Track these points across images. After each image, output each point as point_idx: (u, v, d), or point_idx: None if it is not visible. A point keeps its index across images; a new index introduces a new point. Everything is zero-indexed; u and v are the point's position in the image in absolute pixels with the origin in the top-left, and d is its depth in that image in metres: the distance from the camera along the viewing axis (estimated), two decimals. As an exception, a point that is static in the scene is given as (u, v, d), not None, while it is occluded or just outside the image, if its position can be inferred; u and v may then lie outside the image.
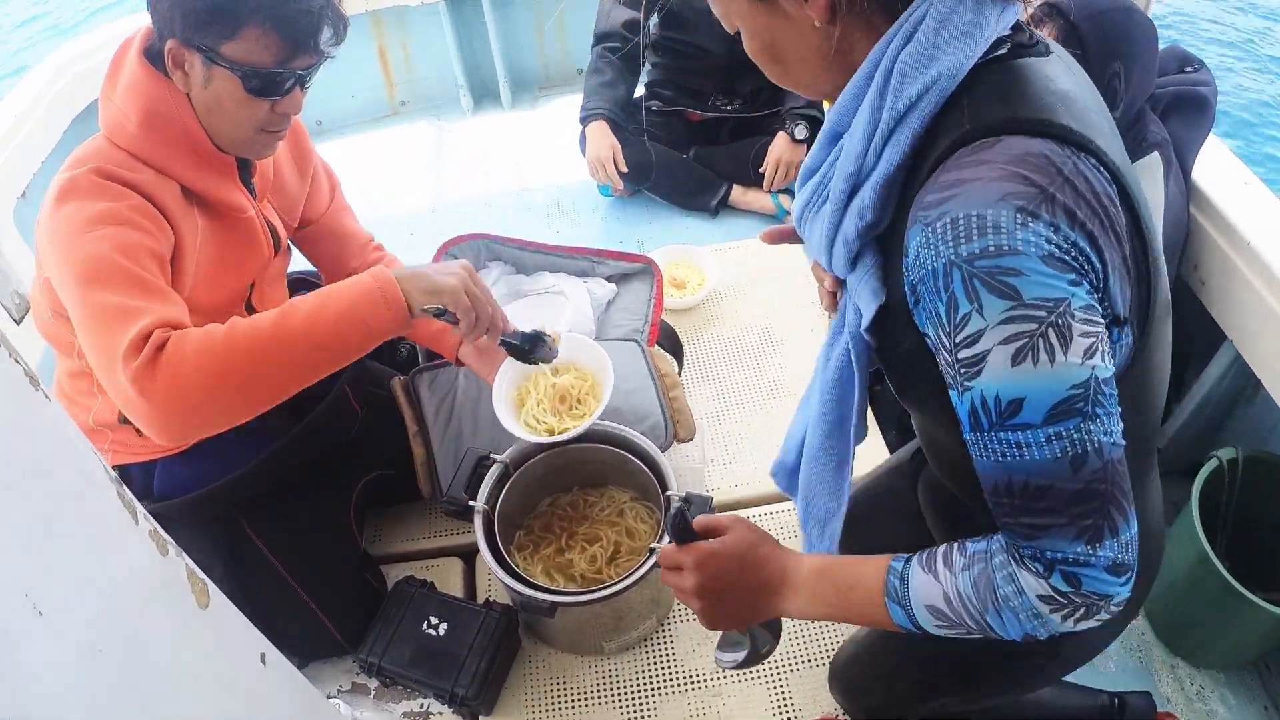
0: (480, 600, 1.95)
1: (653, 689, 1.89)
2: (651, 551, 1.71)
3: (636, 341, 2.20)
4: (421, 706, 1.87)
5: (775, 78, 1.09)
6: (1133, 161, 1.99)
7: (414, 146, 4.08)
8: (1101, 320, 0.89)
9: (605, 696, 1.89)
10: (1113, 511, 0.92)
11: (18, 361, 0.72)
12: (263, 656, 1.06)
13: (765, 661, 1.35)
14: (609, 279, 2.52)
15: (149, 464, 1.83)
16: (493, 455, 1.88)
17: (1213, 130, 2.23)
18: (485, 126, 4.16)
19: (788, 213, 3.24)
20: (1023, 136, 0.88)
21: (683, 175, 3.37)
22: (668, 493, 1.80)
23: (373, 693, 1.90)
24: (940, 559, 1.05)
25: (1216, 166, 2.27)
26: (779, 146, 3.16)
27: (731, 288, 2.79)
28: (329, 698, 1.88)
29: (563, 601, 1.68)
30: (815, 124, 3.16)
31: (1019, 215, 0.84)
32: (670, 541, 1.26)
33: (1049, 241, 0.84)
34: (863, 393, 1.22)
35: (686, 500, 1.75)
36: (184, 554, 0.93)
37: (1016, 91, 0.92)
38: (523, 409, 1.90)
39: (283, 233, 1.91)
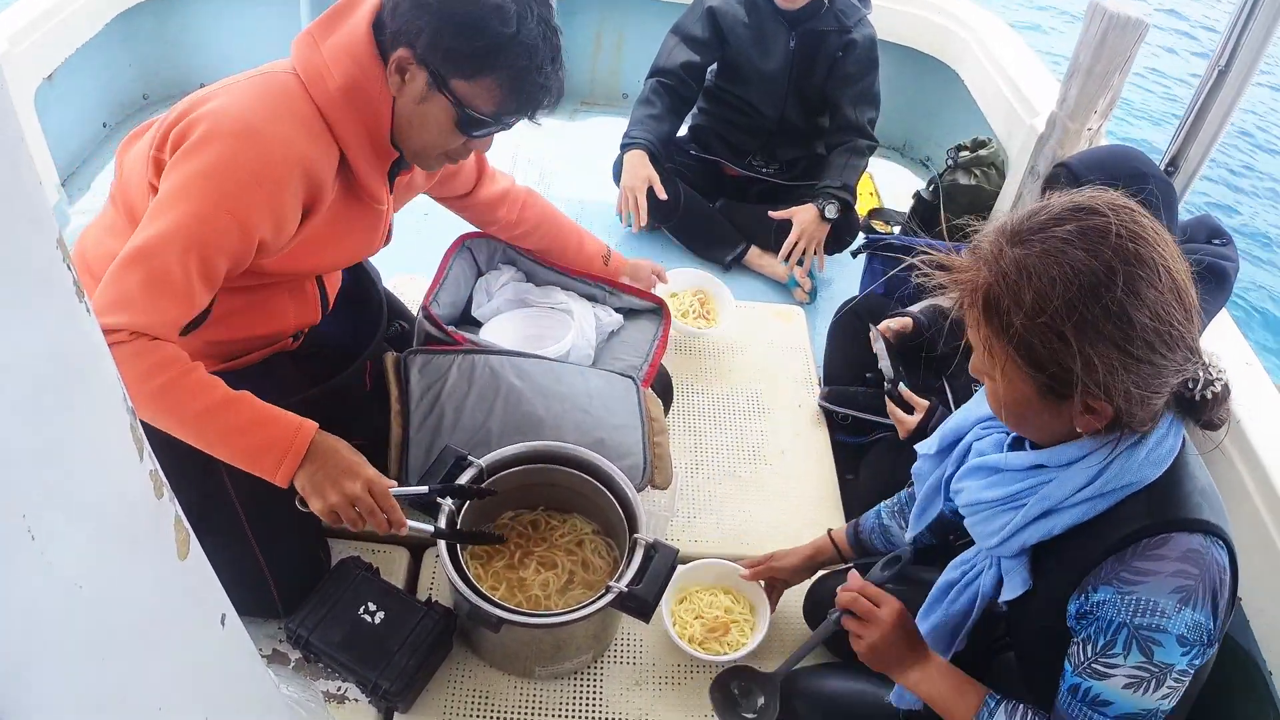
0: (421, 597, 1.93)
1: (574, 724, 1.88)
2: (609, 589, 1.70)
3: (633, 379, 2.20)
4: (339, 689, 1.84)
5: (1006, 421, 1.39)
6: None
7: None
8: (1189, 678, 1.28)
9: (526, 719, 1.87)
10: None
11: (69, 268, 0.71)
12: (223, 618, 1.04)
13: None
14: (618, 310, 2.52)
15: None
16: (470, 458, 1.87)
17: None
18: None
19: (798, 284, 3.26)
20: (1185, 533, 1.25)
21: (706, 223, 3.39)
22: (636, 535, 1.79)
23: (292, 664, 1.87)
24: (1019, 716, 1.43)
25: (1222, 340, 2.33)
26: (805, 219, 3.17)
27: (731, 345, 2.79)
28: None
29: (510, 619, 1.66)
30: (845, 207, 3.19)
31: (1178, 605, 1.23)
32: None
33: (1186, 625, 1.23)
34: (968, 635, 1.57)
35: (654, 546, 1.75)
36: (175, 500, 0.91)
37: (1179, 495, 1.28)
38: (679, 605, 2.04)
39: (393, 227, 2.00)
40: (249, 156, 1.53)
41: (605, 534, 2.00)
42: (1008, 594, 1.44)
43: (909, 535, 1.75)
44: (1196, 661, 1.27)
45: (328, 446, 1.66)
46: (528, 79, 1.62)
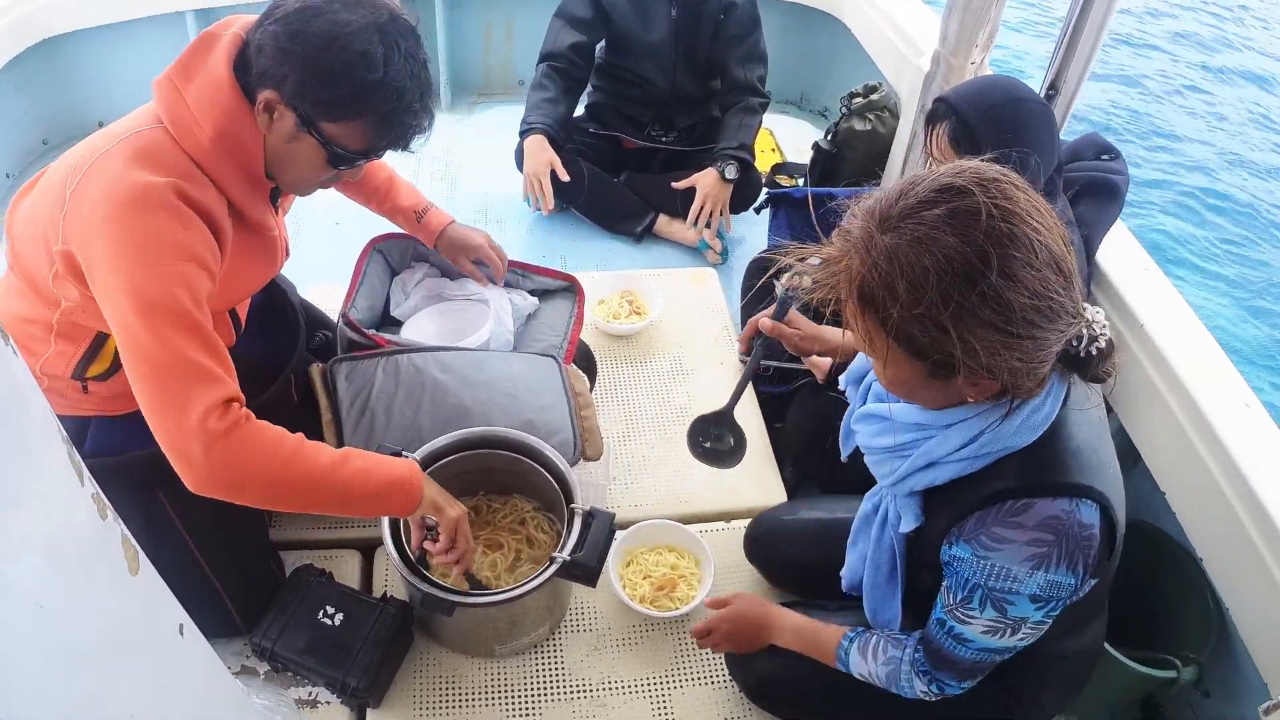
0: (377, 594, 1.99)
1: (541, 694, 1.95)
2: (552, 560, 1.77)
3: (554, 358, 2.26)
4: (310, 694, 1.89)
5: (896, 395, 1.42)
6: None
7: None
8: (1048, 623, 1.41)
9: (493, 699, 1.93)
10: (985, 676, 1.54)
11: None
12: (181, 628, 1.09)
13: (654, 678, 1.98)
14: (532, 293, 2.57)
15: (84, 421, 1.85)
16: (404, 453, 1.92)
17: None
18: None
19: (709, 246, 3.34)
20: (1048, 499, 1.31)
21: (612, 199, 3.46)
22: (572, 505, 1.86)
23: (262, 676, 1.92)
24: (870, 651, 1.62)
25: (1120, 250, 2.42)
26: (708, 182, 3.26)
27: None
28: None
29: (462, 602, 1.73)
30: (745, 165, 3.27)
31: (1030, 570, 1.32)
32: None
33: (1039, 586, 1.33)
34: (903, 559, 1.62)
35: (590, 513, 1.82)
36: (119, 520, 0.97)
37: (1049, 458, 1.33)
38: (626, 569, 2.14)
39: (289, 243, 2.02)
40: (160, 214, 1.52)
41: (546, 510, 2.06)
42: (903, 528, 1.52)
43: (843, 455, 1.78)
44: (1055, 611, 1.38)
45: (434, 483, 1.77)
46: (397, 118, 1.64)
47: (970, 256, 1.14)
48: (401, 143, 1.69)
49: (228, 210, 1.68)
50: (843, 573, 1.80)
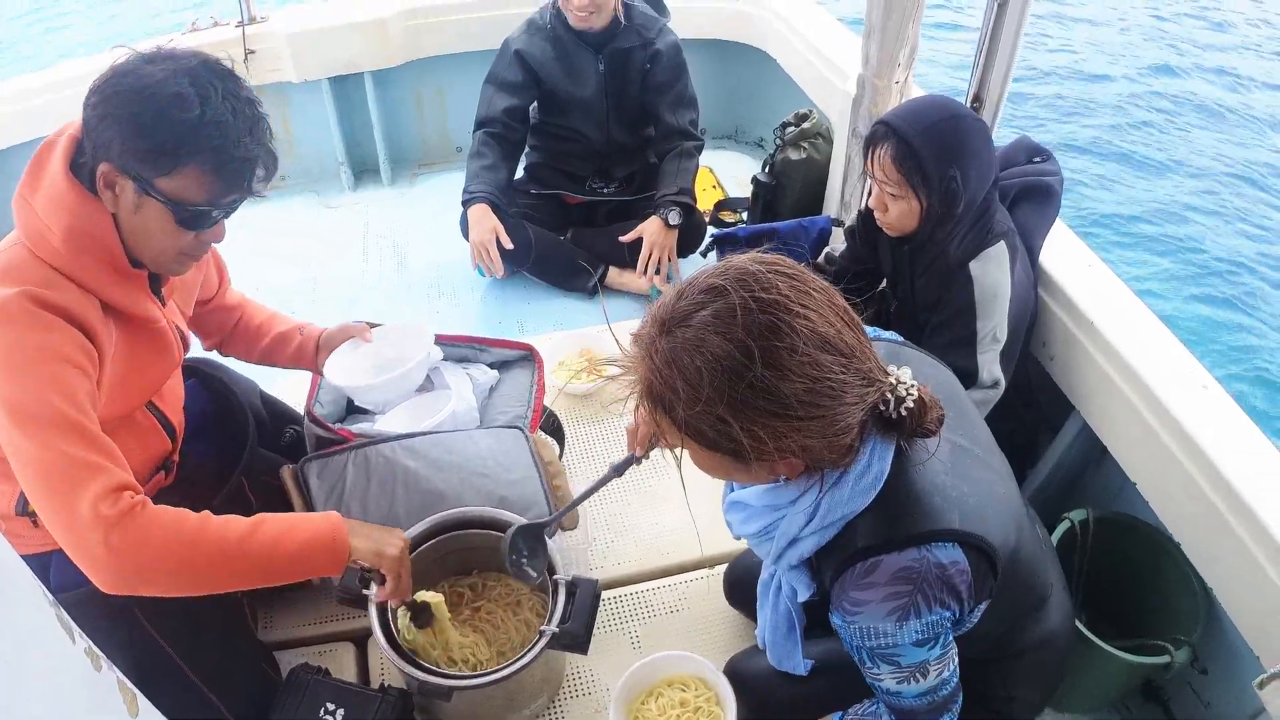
0: (375, 684, 2.00)
1: (546, 764, 1.96)
2: (542, 634, 1.79)
3: (520, 429, 2.28)
4: (318, 794, 1.90)
5: (717, 478, 1.44)
6: (979, 251, 2.18)
7: (295, 221, 4.13)
8: (951, 648, 1.44)
9: (501, 773, 1.94)
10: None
11: None
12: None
13: None
14: (491, 365, 2.60)
15: (45, 556, 1.84)
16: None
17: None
18: (365, 202, 4.23)
19: (660, 293, 3.37)
20: (895, 553, 1.34)
21: (560, 257, 3.49)
22: (555, 576, 1.88)
23: (268, 782, 1.92)
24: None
25: (1062, 250, 2.48)
26: (652, 230, 3.31)
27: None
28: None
29: (459, 686, 1.74)
30: (687, 209, 3.32)
31: (898, 623, 1.34)
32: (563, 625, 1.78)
33: (916, 632, 1.34)
34: (801, 620, 1.71)
35: (574, 582, 1.84)
36: (114, 666, 0.99)
37: (890, 515, 1.35)
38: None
39: (187, 333, 1.97)
40: (18, 324, 1.52)
41: (539, 588, 2.04)
42: (800, 598, 1.58)
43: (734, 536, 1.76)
44: (949, 640, 1.42)
45: (358, 527, 1.76)
46: (227, 156, 1.59)
47: (734, 353, 1.20)
48: (242, 182, 1.64)
49: (101, 309, 1.66)
50: (756, 631, 1.88)
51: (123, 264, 1.68)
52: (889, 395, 1.29)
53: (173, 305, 1.93)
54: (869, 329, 1.61)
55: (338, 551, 1.69)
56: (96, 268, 1.64)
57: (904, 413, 1.30)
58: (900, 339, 1.65)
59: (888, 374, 1.31)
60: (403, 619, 1.93)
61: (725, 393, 1.21)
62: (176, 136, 1.54)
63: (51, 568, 1.84)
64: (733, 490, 1.63)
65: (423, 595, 1.92)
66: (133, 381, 1.78)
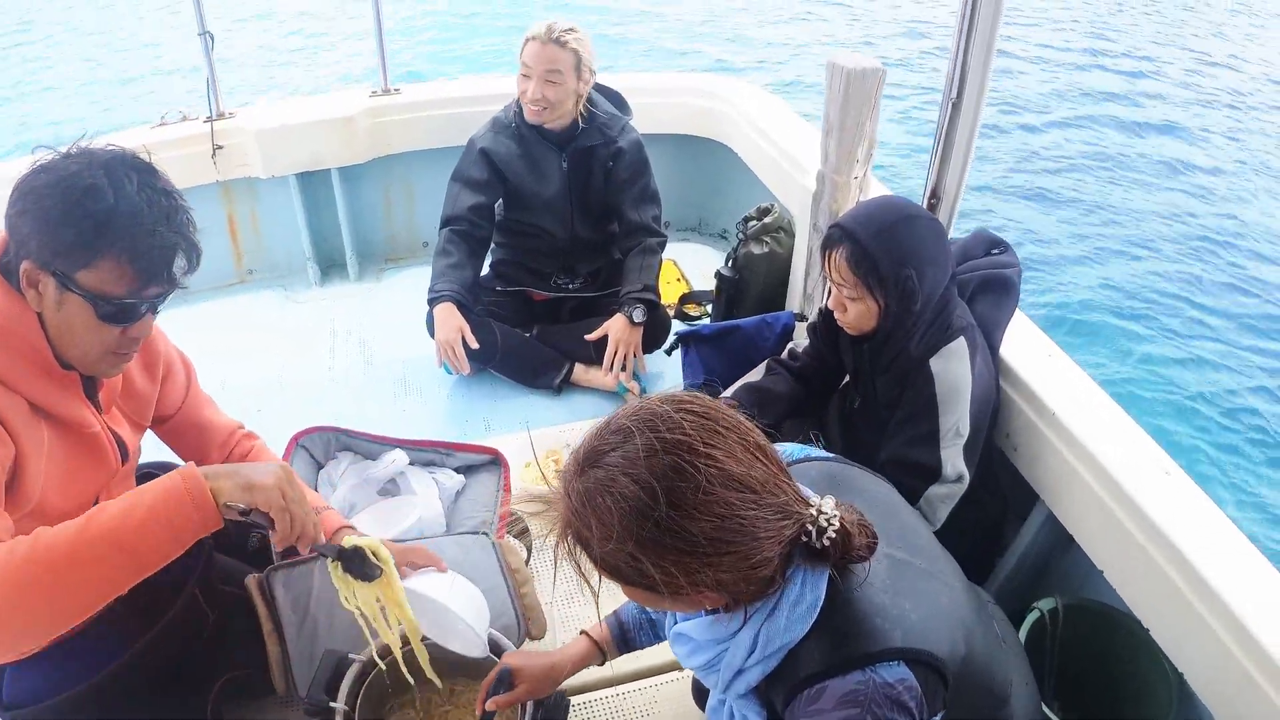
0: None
1: None
2: None
3: (486, 534, 2.28)
4: None
5: (646, 607, 1.44)
6: (939, 348, 2.21)
7: (261, 317, 4.11)
8: None
9: None
10: None
11: None
12: None
13: None
14: (458, 470, 2.60)
15: None
16: (350, 655, 1.91)
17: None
18: (332, 298, 4.23)
19: (628, 390, 3.40)
20: (838, 677, 1.32)
21: (526, 354, 3.50)
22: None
23: None
24: None
25: (1022, 341, 2.51)
26: (617, 328, 3.34)
27: (577, 465, 2.87)
28: None
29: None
30: (651, 306, 3.36)
31: None
32: None
33: None
34: None
35: (538, 705, 1.83)
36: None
37: (831, 641, 1.35)
38: None
39: (130, 441, 1.92)
40: None
41: None
42: None
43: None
44: None
45: (221, 468, 1.54)
46: (143, 244, 1.57)
47: (640, 494, 1.22)
48: (161, 271, 1.61)
49: (29, 408, 1.64)
50: None
51: (50, 364, 1.66)
52: (809, 527, 1.30)
53: (116, 414, 1.89)
54: (804, 449, 1.65)
55: (199, 496, 1.47)
56: (21, 367, 1.62)
57: (827, 543, 1.30)
58: (836, 457, 1.65)
59: (808, 504, 1.32)
60: (335, 575, 1.76)
61: (634, 531, 1.23)
62: (92, 227, 1.53)
63: (5, 681, 1.81)
64: (676, 622, 1.63)
65: (352, 539, 1.76)
66: (69, 485, 1.74)
